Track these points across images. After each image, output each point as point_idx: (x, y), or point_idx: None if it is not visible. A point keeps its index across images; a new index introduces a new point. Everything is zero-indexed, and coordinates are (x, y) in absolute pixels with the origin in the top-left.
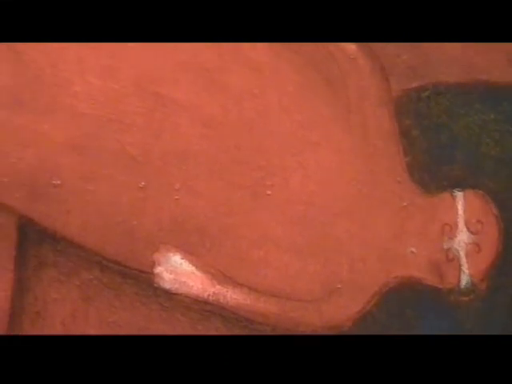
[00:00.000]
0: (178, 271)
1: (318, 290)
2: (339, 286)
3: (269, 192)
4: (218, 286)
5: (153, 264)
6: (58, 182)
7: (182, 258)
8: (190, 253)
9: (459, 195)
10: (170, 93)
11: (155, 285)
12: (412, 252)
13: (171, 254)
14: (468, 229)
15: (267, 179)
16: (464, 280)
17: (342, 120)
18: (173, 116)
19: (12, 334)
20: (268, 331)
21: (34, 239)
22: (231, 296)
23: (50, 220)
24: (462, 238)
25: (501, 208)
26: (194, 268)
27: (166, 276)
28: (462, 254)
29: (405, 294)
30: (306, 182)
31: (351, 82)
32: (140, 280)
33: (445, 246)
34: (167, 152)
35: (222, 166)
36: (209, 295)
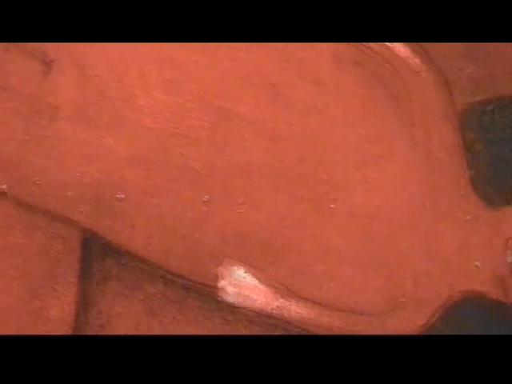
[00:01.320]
0: (241, 285)
1: (381, 303)
2: (403, 299)
3: (332, 206)
4: (281, 300)
5: (216, 278)
6: (123, 196)
7: (246, 272)
8: (253, 266)
9: None
10: (234, 107)
11: (219, 298)
12: (476, 266)
13: (235, 268)
14: None
15: (331, 193)
16: None
17: (406, 134)
18: (237, 130)
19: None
20: None
21: (98, 253)
22: (295, 310)
23: (115, 234)
24: None
25: None
26: (257, 282)
27: (230, 290)
28: None
29: (469, 308)
30: (369, 196)
31: (415, 95)
32: (203, 294)
33: (509, 260)
34: (231, 166)
35: (286, 179)
36: (272, 309)
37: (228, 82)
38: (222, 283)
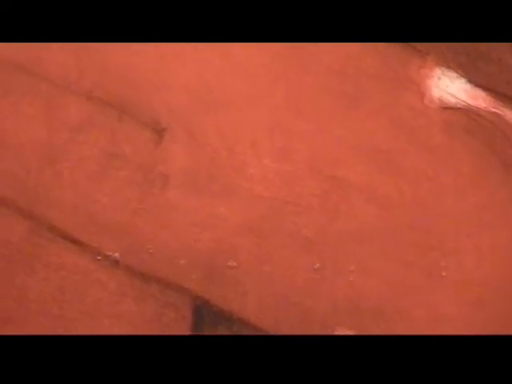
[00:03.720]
0: None
1: None
2: None
3: (444, 273)
4: None
5: None
6: (234, 264)
7: None
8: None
9: None
10: (345, 174)
11: None
12: None
13: None
14: None
15: (442, 260)
16: None
17: None
18: (348, 197)
19: None
20: None
21: (209, 320)
22: None
23: (226, 301)
24: None
25: None
26: None
27: None
28: None
29: None
30: (481, 264)
31: None
32: None
33: None
34: (342, 233)
35: (397, 246)
36: None
37: (339, 149)
38: None
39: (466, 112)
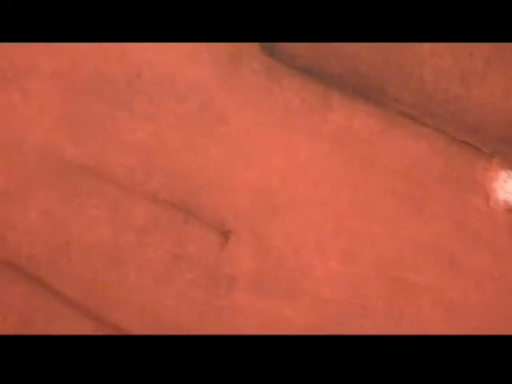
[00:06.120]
0: None
1: None
2: None
3: None
4: None
5: None
6: None
7: None
8: None
9: None
10: (411, 277)
11: None
12: None
13: None
14: None
15: None
16: None
17: None
18: (414, 300)
19: None
20: None
21: None
22: None
23: None
24: None
25: None
26: None
27: None
28: None
29: None
30: None
31: None
32: None
33: None
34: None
35: None
36: None
37: (405, 251)
38: None
39: None
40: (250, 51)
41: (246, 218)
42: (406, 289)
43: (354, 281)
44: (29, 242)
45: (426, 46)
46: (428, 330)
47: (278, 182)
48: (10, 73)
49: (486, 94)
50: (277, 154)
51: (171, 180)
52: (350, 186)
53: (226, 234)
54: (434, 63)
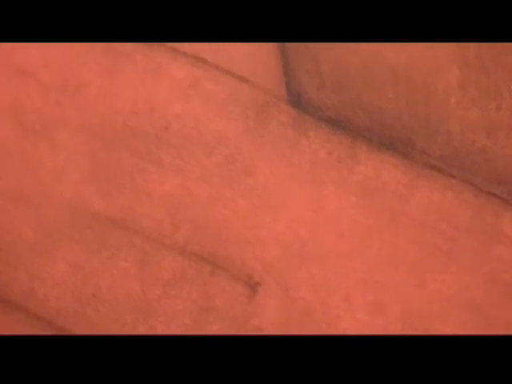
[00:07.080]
0: None
1: None
2: None
3: None
4: None
5: None
6: None
7: None
8: None
9: None
10: (438, 329)
11: None
12: None
13: None
14: None
15: None
16: None
17: None
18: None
19: None
20: None
21: None
22: None
23: None
24: None
25: None
26: None
27: None
28: None
29: None
30: None
31: None
32: None
33: None
34: None
35: None
36: None
37: (432, 303)
38: None
39: None
40: (276, 103)
41: (274, 270)
42: None
43: (379, 332)
44: (57, 295)
45: (453, 98)
46: None
47: (306, 234)
48: (38, 125)
49: None
50: (304, 205)
51: (199, 232)
52: (377, 238)
53: (253, 286)
54: (461, 115)
